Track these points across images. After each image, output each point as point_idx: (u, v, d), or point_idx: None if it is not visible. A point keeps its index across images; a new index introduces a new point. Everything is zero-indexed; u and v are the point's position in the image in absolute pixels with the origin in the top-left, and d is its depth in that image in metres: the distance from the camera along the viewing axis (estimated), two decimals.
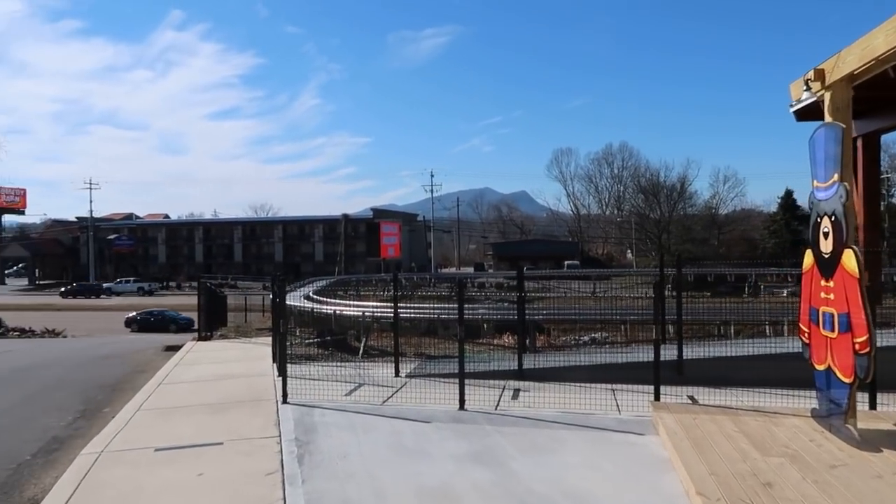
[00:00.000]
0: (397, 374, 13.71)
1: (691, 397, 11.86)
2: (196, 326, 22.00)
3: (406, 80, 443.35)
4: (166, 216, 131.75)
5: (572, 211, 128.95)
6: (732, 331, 16.51)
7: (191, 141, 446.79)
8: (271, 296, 17.05)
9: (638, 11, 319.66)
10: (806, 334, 8.46)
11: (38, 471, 8.46)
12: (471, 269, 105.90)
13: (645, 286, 70.38)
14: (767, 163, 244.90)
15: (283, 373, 11.48)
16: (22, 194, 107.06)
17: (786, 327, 16.74)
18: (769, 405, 10.46)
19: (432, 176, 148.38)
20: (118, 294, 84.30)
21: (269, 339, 18.98)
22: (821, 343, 8.02)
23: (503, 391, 12.37)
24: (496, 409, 11.04)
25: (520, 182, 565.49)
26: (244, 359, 16.08)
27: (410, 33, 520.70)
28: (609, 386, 12.46)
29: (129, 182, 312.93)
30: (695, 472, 6.64)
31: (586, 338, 25.14)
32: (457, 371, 13.33)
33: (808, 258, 8.25)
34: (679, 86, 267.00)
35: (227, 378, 13.71)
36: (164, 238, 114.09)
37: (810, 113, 10.42)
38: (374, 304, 21.63)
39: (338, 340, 19.44)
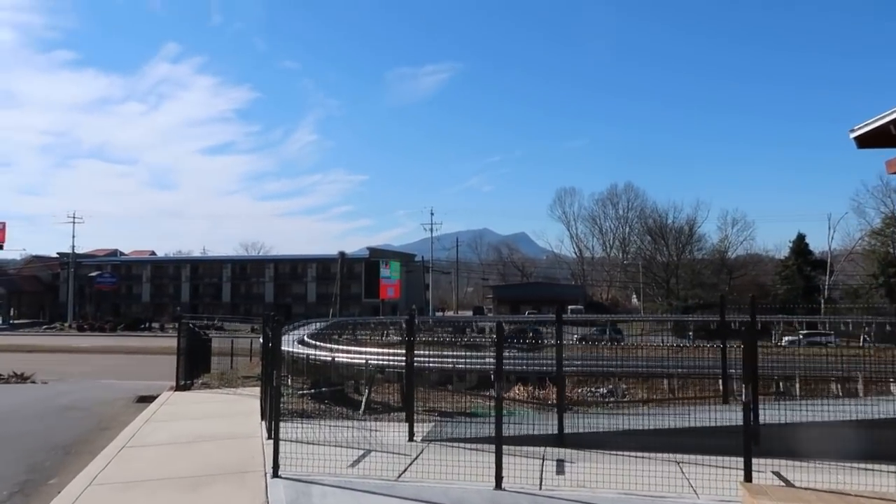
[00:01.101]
0: (411, 437, 11.44)
1: (777, 474, 9.70)
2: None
3: (404, 118, 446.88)
4: (152, 253, 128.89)
5: (575, 253, 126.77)
6: (798, 387, 14.38)
7: (182, 176, 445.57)
8: (262, 339, 14.82)
9: (639, 54, 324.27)
10: None
11: None
12: (469, 313, 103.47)
13: (664, 332, 67.95)
14: (777, 206, 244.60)
15: (275, 437, 9.24)
16: (1, 228, 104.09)
17: (860, 384, 14.59)
18: (889, 488, 8.29)
19: (432, 214, 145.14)
20: None
21: (258, 389, 16.63)
22: None
23: (543, 462, 10.18)
24: (541, 488, 8.90)
25: (519, 223, 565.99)
26: (228, 414, 13.74)
27: (409, 70, 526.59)
28: (671, 457, 10.32)
29: (116, 217, 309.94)
30: None
31: (603, 390, 22.83)
32: (483, 435, 11.13)
33: None
34: (684, 125, 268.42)
35: (207, 440, 11.39)
36: (150, 276, 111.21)
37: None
38: (377, 350, 19.31)
39: (335, 392, 17.12)
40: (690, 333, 60.51)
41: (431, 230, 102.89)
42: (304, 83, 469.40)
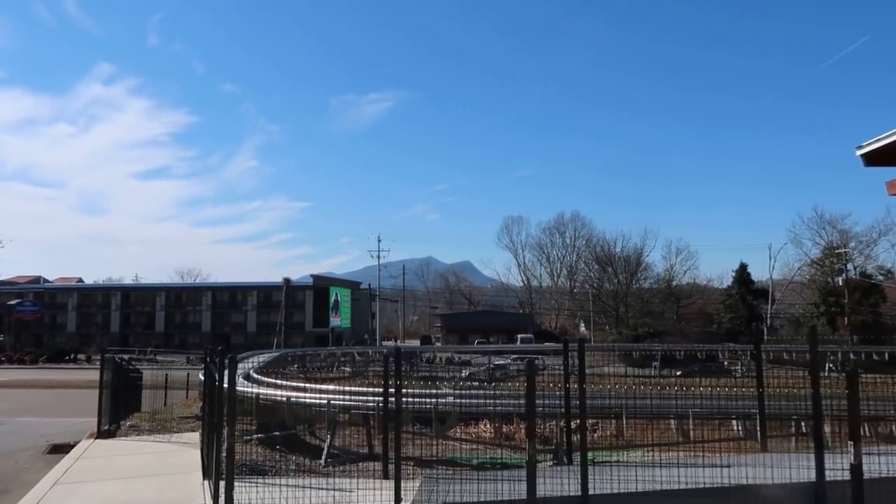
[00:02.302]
0: (399, 501, 9.00)
1: None
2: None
3: (347, 145, 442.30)
4: (80, 280, 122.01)
5: (523, 281, 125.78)
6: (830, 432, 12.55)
7: (113, 201, 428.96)
8: (205, 377, 12.21)
9: (582, 75, 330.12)
10: None
11: None
12: (416, 342, 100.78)
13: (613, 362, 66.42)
14: (719, 236, 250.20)
15: None
16: None
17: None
18: None
19: (379, 241, 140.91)
20: None
21: (197, 435, 13.88)
22: None
23: None
24: None
25: (464, 252, 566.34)
26: (161, 471, 11.01)
27: (353, 97, 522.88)
28: None
29: (41, 243, 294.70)
30: None
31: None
32: (492, 501, 8.84)
33: None
34: (631, 153, 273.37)
35: None
36: (76, 304, 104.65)
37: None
38: (338, 388, 16.69)
39: (288, 437, 14.48)
40: (656, 364, 58.95)
41: (378, 256, 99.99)
42: (245, 108, 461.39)
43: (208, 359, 12.29)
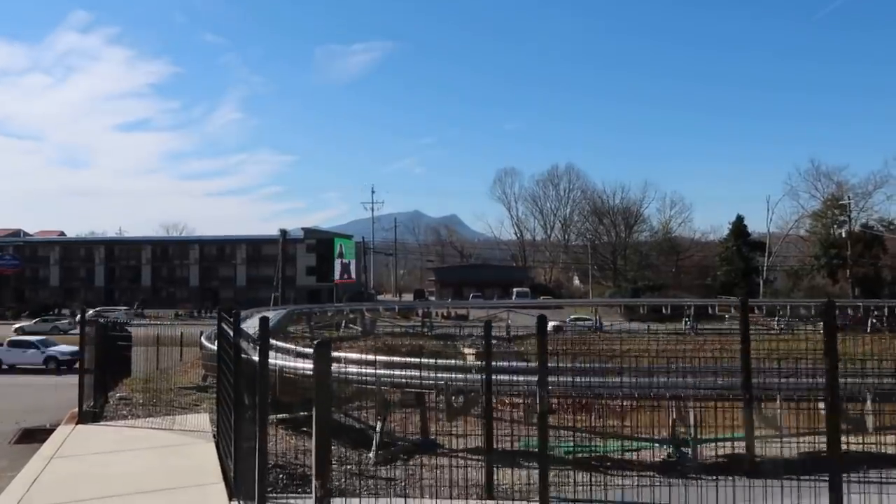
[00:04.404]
0: None
1: None
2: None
3: (333, 97, 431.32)
4: (62, 234, 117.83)
5: (516, 235, 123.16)
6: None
7: (95, 154, 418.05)
8: (218, 346, 9.41)
9: (577, 30, 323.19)
10: None
11: None
12: (410, 297, 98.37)
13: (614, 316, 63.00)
14: (715, 188, 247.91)
15: None
16: None
17: None
18: None
19: (373, 192, 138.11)
20: None
21: (207, 418, 11.09)
22: None
23: None
24: None
25: (451, 206, 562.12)
26: (166, 482, 8.11)
27: (339, 48, 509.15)
28: None
29: (20, 196, 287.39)
30: None
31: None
32: None
33: None
34: (623, 105, 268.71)
35: None
36: (59, 258, 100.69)
37: None
38: (386, 358, 13.71)
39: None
40: (688, 318, 56.05)
41: (373, 209, 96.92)
42: (227, 58, 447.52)
43: (223, 324, 9.39)
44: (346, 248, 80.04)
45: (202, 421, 10.91)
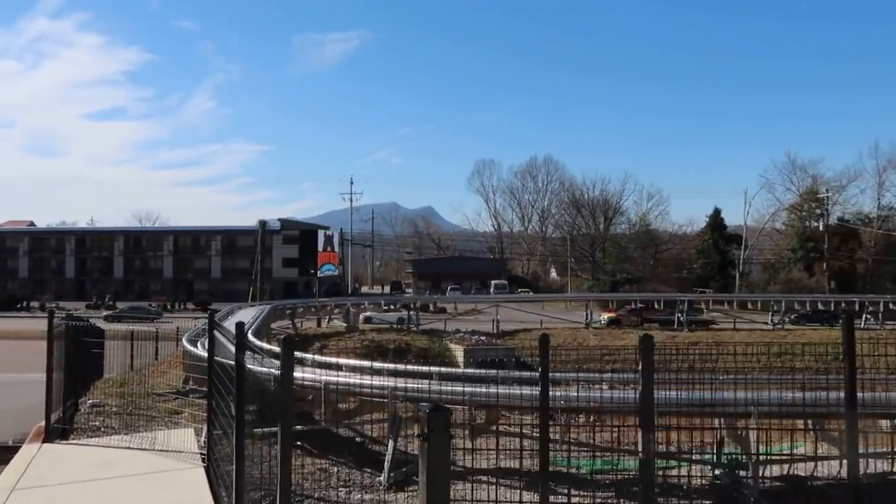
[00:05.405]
0: None
1: None
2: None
3: (309, 87, 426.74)
4: (31, 223, 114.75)
5: (494, 227, 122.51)
6: None
7: (66, 142, 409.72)
8: (209, 351, 8.41)
9: (556, 31, 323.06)
10: None
11: None
12: (387, 289, 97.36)
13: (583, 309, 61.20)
14: (693, 180, 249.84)
15: None
16: None
17: None
18: None
19: (352, 183, 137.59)
20: None
21: (192, 433, 10.03)
22: None
23: None
24: None
25: (427, 197, 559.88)
26: None
27: (316, 36, 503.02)
28: None
29: None
30: None
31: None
32: None
33: None
34: (602, 99, 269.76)
35: None
36: (28, 249, 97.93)
37: None
38: (393, 366, 12.67)
39: (317, 432, 10.68)
40: (681, 315, 54.41)
41: (351, 199, 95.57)
42: (203, 46, 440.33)
43: (214, 328, 8.35)
44: (329, 240, 78.71)
45: (187, 438, 9.83)
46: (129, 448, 9.43)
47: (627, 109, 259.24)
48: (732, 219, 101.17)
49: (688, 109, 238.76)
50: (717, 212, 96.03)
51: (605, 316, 58.15)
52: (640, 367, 5.03)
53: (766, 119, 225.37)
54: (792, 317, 56.28)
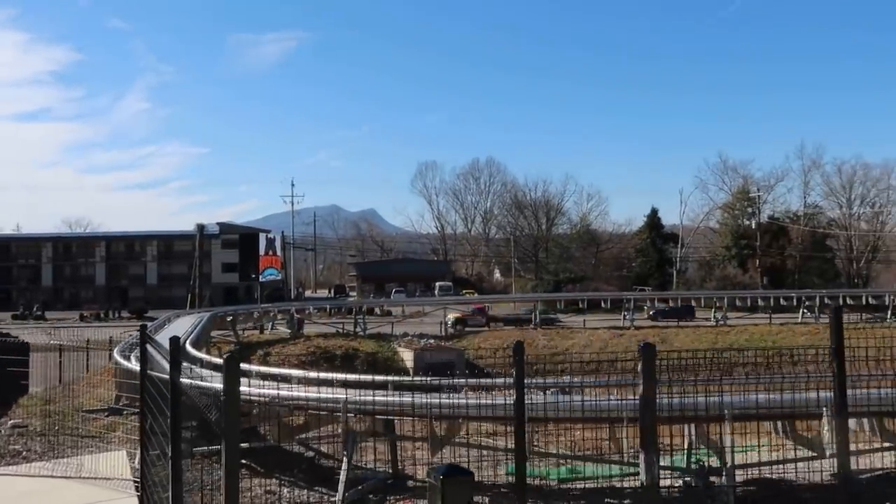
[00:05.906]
0: None
1: None
2: None
3: (246, 88, 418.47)
4: None
5: (437, 229, 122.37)
6: None
7: None
8: (140, 368, 7.77)
9: (496, 34, 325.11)
10: None
11: None
12: (331, 293, 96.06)
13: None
14: (630, 180, 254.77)
15: None
16: None
17: None
18: None
19: (293, 185, 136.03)
20: None
21: (125, 456, 9.32)
22: None
23: None
24: None
25: (369, 200, 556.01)
26: None
27: (251, 37, 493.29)
28: None
29: None
30: None
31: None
32: None
33: None
34: (542, 102, 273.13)
35: None
36: None
37: None
38: (345, 376, 12.07)
39: (263, 449, 10.07)
40: (627, 313, 55.43)
41: (293, 202, 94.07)
42: (134, 44, 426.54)
43: (146, 342, 7.71)
44: (270, 244, 77.14)
45: (118, 462, 9.12)
46: (51, 476, 8.69)
47: (567, 111, 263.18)
48: (669, 218, 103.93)
49: (625, 111, 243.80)
50: (654, 211, 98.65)
51: (451, 316, 58.28)
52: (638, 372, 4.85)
53: (699, 120, 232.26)
54: (651, 313, 60.36)
